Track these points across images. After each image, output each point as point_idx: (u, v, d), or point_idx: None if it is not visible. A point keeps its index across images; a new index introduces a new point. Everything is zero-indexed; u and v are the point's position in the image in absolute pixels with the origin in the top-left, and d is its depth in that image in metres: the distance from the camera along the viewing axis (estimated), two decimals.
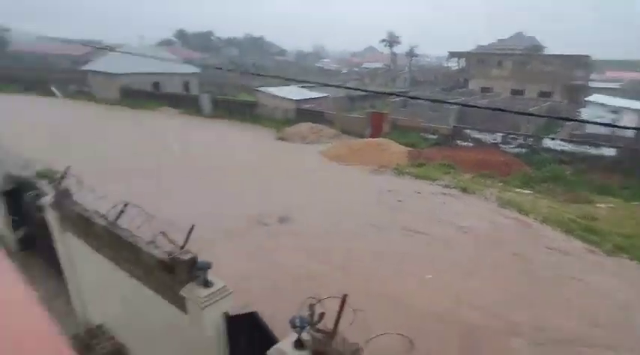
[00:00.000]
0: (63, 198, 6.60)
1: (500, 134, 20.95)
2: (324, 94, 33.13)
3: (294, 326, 3.56)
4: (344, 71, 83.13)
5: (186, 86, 39.69)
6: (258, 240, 10.58)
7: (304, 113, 27.62)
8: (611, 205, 14.81)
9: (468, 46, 57.88)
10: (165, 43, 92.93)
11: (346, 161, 19.03)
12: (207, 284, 4.48)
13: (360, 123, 25.40)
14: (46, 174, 8.25)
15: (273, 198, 13.56)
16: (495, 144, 20.85)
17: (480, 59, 48.39)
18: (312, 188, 15.07)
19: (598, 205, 14.74)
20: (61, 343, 2.81)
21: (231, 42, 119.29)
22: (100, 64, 37.28)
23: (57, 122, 24.87)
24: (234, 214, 11.94)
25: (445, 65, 60.53)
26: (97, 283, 6.55)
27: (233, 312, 4.62)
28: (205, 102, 31.02)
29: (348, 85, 40.79)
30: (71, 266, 6.98)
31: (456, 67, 52.55)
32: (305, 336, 3.56)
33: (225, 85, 48.51)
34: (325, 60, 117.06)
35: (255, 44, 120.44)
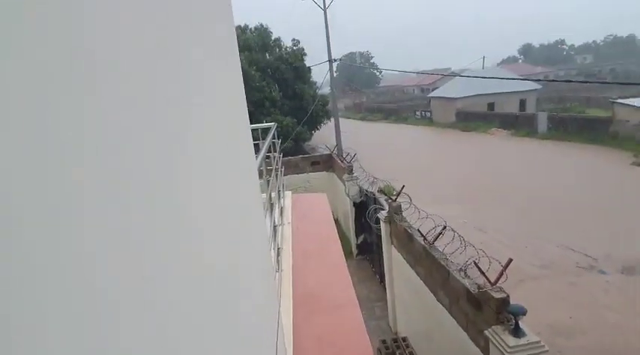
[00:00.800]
0: (395, 214, 7.64)
1: None
2: None
3: None
4: None
5: (522, 105, 37.56)
6: (590, 289, 8.58)
7: None
8: None
9: None
10: (508, 61, 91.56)
11: None
12: (517, 332, 4.02)
13: None
14: (385, 191, 9.85)
15: (614, 242, 10.68)
16: None
17: None
18: None
19: None
20: (366, 343, 3.25)
21: (586, 48, 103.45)
22: (440, 91, 41.09)
23: (394, 143, 29.20)
24: (559, 253, 10.21)
25: None
26: (408, 297, 7.14)
27: None
28: (541, 120, 28.18)
29: None
30: (390, 277, 7.95)
31: None
32: None
33: (569, 100, 42.50)
34: None
35: (621, 46, 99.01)
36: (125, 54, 0.61)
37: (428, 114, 42.28)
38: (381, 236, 8.24)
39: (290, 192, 6.70)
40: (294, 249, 4.46)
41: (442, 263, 5.46)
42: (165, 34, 0.83)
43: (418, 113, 44.38)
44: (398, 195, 8.25)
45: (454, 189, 16.74)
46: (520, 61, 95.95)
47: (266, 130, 4.25)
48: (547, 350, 3.94)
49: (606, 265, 9.51)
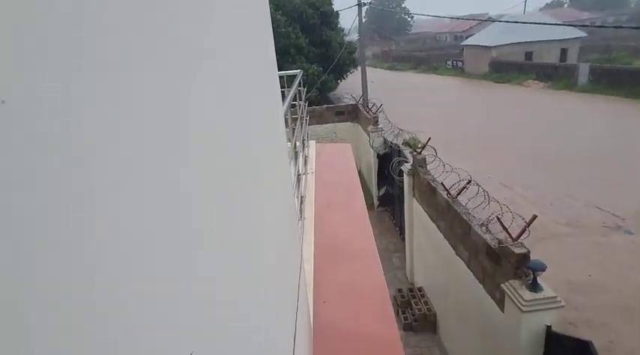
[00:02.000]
0: (419, 167, 7.58)
1: None
2: None
3: None
4: None
5: (563, 54, 35.04)
6: (615, 249, 8.48)
7: None
8: None
9: None
10: (552, 6, 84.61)
11: None
12: (534, 287, 4.08)
13: None
14: (410, 144, 9.70)
15: None
16: None
17: None
18: None
19: None
20: (384, 291, 3.38)
21: None
22: (475, 38, 38.66)
23: (422, 94, 28.18)
24: (586, 211, 10.00)
25: None
26: (426, 250, 7.26)
27: (558, 328, 4.03)
28: (582, 72, 26.34)
29: None
30: (410, 230, 8.04)
31: None
32: None
33: (616, 50, 39.36)
34: None
35: None
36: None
37: (460, 63, 40.26)
38: (403, 188, 8.24)
39: (314, 141, 6.70)
40: (316, 198, 4.54)
41: (464, 217, 5.47)
42: None
43: (449, 62, 42.32)
44: (423, 147, 8.12)
45: (482, 143, 16.32)
46: (566, 5, 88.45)
47: (291, 78, 4.17)
48: (563, 305, 4.01)
49: (634, 225, 9.30)
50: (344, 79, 25.51)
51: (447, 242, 5.99)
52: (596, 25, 43.28)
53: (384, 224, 10.74)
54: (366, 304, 3.17)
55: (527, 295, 3.96)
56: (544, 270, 4.06)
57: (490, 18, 48.26)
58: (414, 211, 7.72)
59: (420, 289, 7.64)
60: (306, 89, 5.51)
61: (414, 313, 7.09)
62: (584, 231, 9.29)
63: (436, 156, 7.68)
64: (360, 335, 2.86)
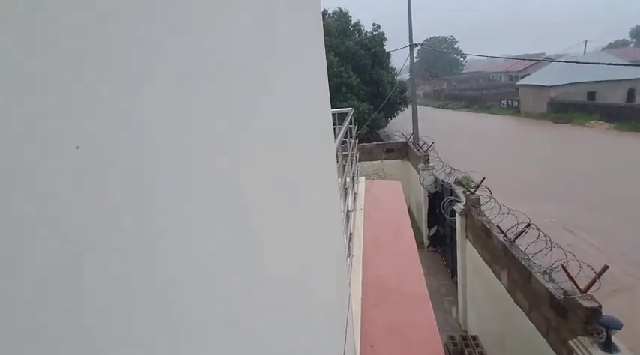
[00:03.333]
0: (472, 207, 7.27)
1: None
2: None
3: None
4: None
5: (630, 94, 33.03)
6: None
7: None
8: None
9: None
10: (616, 46, 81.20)
11: None
12: (608, 347, 3.65)
13: None
14: (462, 183, 9.38)
15: None
16: None
17: None
18: None
19: None
20: (436, 336, 3.16)
21: None
22: (531, 78, 37.66)
23: (476, 133, 27.41)
24: None
25: None
26: (481, 295, 6.80)
27: None
28: None
29: None
30: (463, 273, 7.61)
31: None
32: None
33: None
34: None
35: None
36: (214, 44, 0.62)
37: (515, 103, 39.14)
38: (455, 229, 7.91)
39: (364, 178, 6.68)
40: (365, 235, 4.45)
41: (523, 263, 5.11)
42: (259, 22, 0.85)
43: (504, 102, 41.32)
44: (477, 187, 7.82)
45: (541, 185, 15.45)
46: (632, 45, 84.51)
47: (343, 115, 4.24)
48: None
49: None
50: (394, 116, 25.61)
51: (504, 288, 5.59)
52: None
53: (434, 265, 10.28)
54: (415, 349, 2.98)
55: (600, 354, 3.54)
56: (620, 328, 3.64)
57: (548, 58, 46.94)
58: (467, 253, 7.34)
59: (474, 337, 7.10)
60: (356, 126, 5.56)
61: None
62: None
63: (491, 196, 7.36)
64: None
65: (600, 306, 3.85)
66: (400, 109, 25.03)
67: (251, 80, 0.78)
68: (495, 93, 46.61)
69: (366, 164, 13.73)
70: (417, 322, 3.27)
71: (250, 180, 0.75)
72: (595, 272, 4.23)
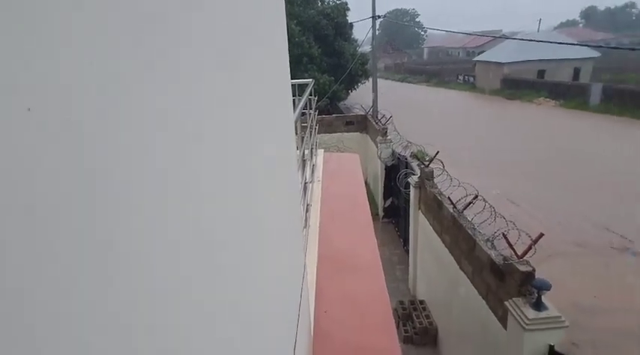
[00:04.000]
0: (426, 179, 7.57)
1: None
2: None
3: None
4: None
5: (576, 73, 34.93)
6: (621, 271, 8.37)
7: None
8: None
9: None
10: (567, 25, 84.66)
11: None
12: (538, 306, 4.04)
13: None
14: (418, 156, 9.70)
15: None
16: None
17: None
18: None
19: None
20: (387, 303, 3.37)
21: None
22: (487, 54, 38.73)
23: (433, 107, 28.15)
24: (594, 231, 9.88)
25: None
26: (430, 263, 7.22)
27: (562, 349, 3.98)
28: (594, 92, 26.18)
29: None
30: (414, 242, 8.02)
31: None
32: None
33: (631, 71, 39.12)
34: None
35: None
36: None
37: (471, 79, 40.29)
38: (409, 200, 8.23)
39: (322, 150, 6.74)
40: (322, 207, 4.56)
41: (469, 232, 5.45)
42: None
43: (461, 77, 42.38)
44: (431, 160, 8.13)
45: (491, 158, 16.27)
46: (581, 25, 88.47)
47: (303, 87, 4.22)
48: (567, 326, 3.96)
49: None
50: (355, 89, 25.64)
51: (451, 256, 5.96)
52: (611, 46, 42.99)
53: (388, 235, 10.70)
54: (367, 315, 3.16)
55: (531, 313, 3.92)
56: (549, 289, 4.02)
57: (504, 35, 48.26)
58: (420, 224, 7.70)
59: (421, 302, 7.58)
60: (316, 98, 5.56)
61: (415, 326, 7.04)
62: (591, 251, 9.17)
63: (444, 169, 7.68)
64: (361, 347, 2.85)
65: (534, 270, 4.22)
66: (361, 82, 25.05)
67: (208, 49, 0.79)
68: (453, 68, 47.58)
69: (326, 136, 13.80)
70: (370, 290, 3.45)
71: (207, 149, 0.76)
72: (532, 240, 4.61)
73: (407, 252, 8.84)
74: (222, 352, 0.82)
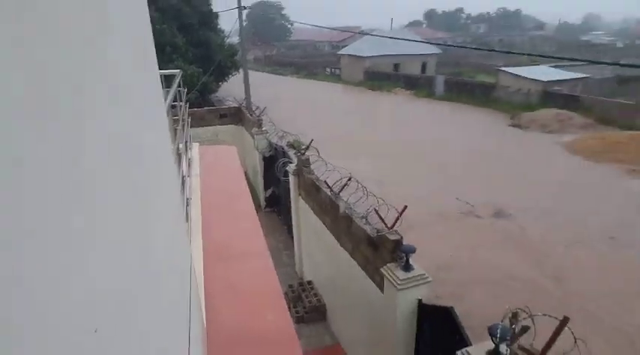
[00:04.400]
0: (303, 167, 7.90)
1: None
2: (583, 75, 27.43)
3: (492, 335, 3.33)
4: (619, 45, 66.10)
5: (424, 67, 40.00)
6: (468, 231, 10.05)
7: (552, 97, 23.67)
8: None
9: None
10: (414, 25, 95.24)
11: (596, 157, 15.50)
12: (407, 267, 4.61)
13: (628, 110, 19.97)
14: (294, 145, 10.05)
15: (490, 190, 12.48)
16: None
17: None
18: (540, 185, 13.05)
19: None
20: (277, 288, 3.49)
21: (481, 18, 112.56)
22: (350, 48, 41.61)
23: (305, 98, 29.40)
24: (448, 202, 11.62)
25: None
26: (314, 245, 7.64)
27: (428, 301, 4.64)
28: (439, 83, 30.52)
29: (622, 63, 32.36)
30: (298, 227, 8.36)
31: None
32: (503, 350, 3.29)
33: (463, 66, 46.37)
34: (597, 32, 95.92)
35: (509, 19, 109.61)
36: None
37: (337, 71, 42.84)
38: (289, 188, 8.49)
39: (197, 143, 6.50)
40: (203, 200, 4.43)
41: (347, 211, 5.90)
42: None
43: (328, 69, 44.73)
44: (306, 148, 8.49)
45: (360, 144, 17.65)
46: (424, 25, 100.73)
47: (170, 78, 4.00)
48: (431, 281, 4.61)
49: (481, 210, 11.08)
50: (225, 81, 25.06)
51: (332, 236, 6.37)
52: (448, 44, 50.08)
53: (272, 224, 10.87)
54: (259, 300, 3.23)
55: (402, 275, 4.46)
56: (414, 252, 4.62)
57: (363, 31, 52.10)
58: (300, 209, 8.02)
59: (309, 282, 7.96)
60: (186, 90, 5.32)
61: (305, 306, 7.38)
62: (444, 218, 10.73)
63: (319, 156, 8.11)
64: (257, 331, 2.90)
65: (402, 238, 4.79)
66: (231, 73, 24.58)
67: (73, 38, 0.74)
68: (320, 61, 49.90)
69: (200, 130, 13.28)
70: (259, 276, 3.52)
71: (82, 145, 0.73)
72: (398, 212, 5.21)
73: (292, 238, 9.13)
74: (111, 348, 0.79)
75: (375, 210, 5.51)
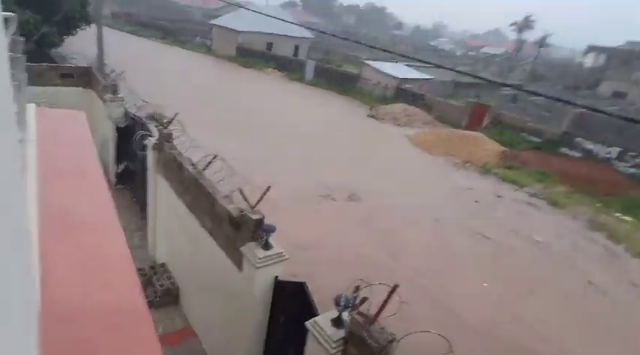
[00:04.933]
0: (164, 141, 7.42)
1: (618, 149, 18.34)
2: (429, 76, 31.68)
3: (337, 305, 3.75)
4: (458, 54, 78.09)
5: (296, 50, 40.67)
6: (324, 214, 10.89)
7: (404, 93, 26.78)
8: None
9: (617, 41, 50.01)
10: (290, 5, 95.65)
11: (432, 150, 18.29)
12: (266, 246, 4.79)
13: (459, 112, 23.96)
14: (155, 117, 9.31)
15: (347, 175, 13.70)
16: (607, 160, 18.38)
17: (624, 58, 41.80)
18: (388, 172, 14.86)
19: None
20: (129, 261, 3.29)
21: (351, 9, 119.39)
22: (224, 20, 39.73)
23: (171, 67, 27.32)
24: (308, 185, 12.33)
25: (578, 61, 53.84)
26: (171, 226, 7.31)
27: (283, 278, 4.93)
28: (309, 68, 31.55)
29: (458, 69, 38.18)
30: (154, 206, 7.86)
31: (591, 65, 46.23)
32: (345, 316, 3.72)
33: (333, 54, 48.82)
34: (442, 39, 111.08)
35: (376, 14, 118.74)
36: None
37: (209, 41, 40.65)
38: (146, 164, 7.91)
39: (34, 105, 5.56)
40: (43, 168, 3.86)
41: (210, 190, 5.80)
42: None
43: (199, 38, 42.10)
44: (170, 122, 7.96)
45: (230, 122, 17.27)
46: (299, 7, 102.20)
47: None
48: (287, 258, 4.89)
49: (337, 194, 12.06)
50: (72, 35, 21.56)
51: (193, 215, 6.20)
52: (321, 30, 51.87)
53: (123, 202, 9.94)
54: (108, 274, 3.00)
55: (261, 253, 4.64)
56: (274, 231, 4.82)
57: (238, 3, 50.06)
58: (159, 187, 7.56)
59: (162, 265, 7.61)
60: (23, 40, 4.49)
61: (157, 290, 7.03)
62: (304, 201, 11.35)
63: (184, 131, 7.71)
64: (104, 306, 2.71)
65: (264, 217, 4.94)
66: (80, 27, 21.25)
67: None
68: (190, 28, 46.65)
69: (38, 89, 11.26)
70: (109, 250, 3.26)
71: None
72: (262, 193, 5.35)
73: (144, 218, 8.54)
74: None
75: (240, 189, 5.56)
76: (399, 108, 23.92)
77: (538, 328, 7.78)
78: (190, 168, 6.42)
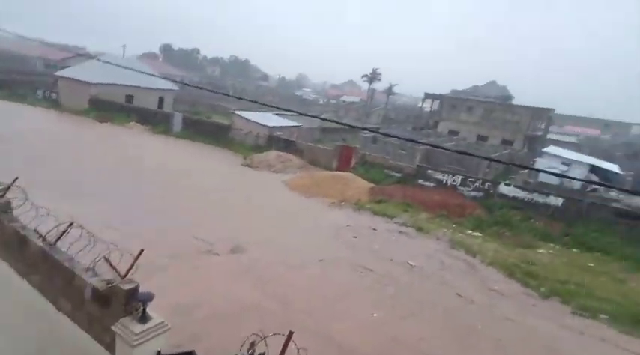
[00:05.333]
0: (2, 212, 6.19)
1: (460, 177, 21.70)
2: (298, 124, 33.51)
3: None
4: (321, 102, 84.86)
5: (160, 102, 39.07)
6: (207, 270, 10.26)
7: (276, 140, 27.66)
8: (552, 251, 15.70)
9: (445, 89, 60.99)
10: (149, 56, 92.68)
11: (308, 193, 19.03)
12: (144, 319, 4.21)
13: (329, 155, 25.66)
14: None
15: (227, 227, 13.30)
16: (454, 186, 21.54)
17: (452, 103, 50.55)
18: (269, 220, 14.90)
19: (540, 251, 15.55)
20: None
21: (216, 62, 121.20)
22: (72, 71, 36.15)
23: (17, 126, 23.64)
24: (187, 241, 11.55)
25: (419, 106, 63.46)
26: (11, 317, 5.90)
27: (167, 351, 4.37)
28: (177, 120, 30.51)
29: (323, 117, 41.33)
30: None
31: (429, 109, 54.71)
32: None
33: (200, 105, 48.30)
34: (306, 89, 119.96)
35: (240, 66, 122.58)
36: None
37: (54, 95, 36.41)
38: None
39: None
40: None
41: (66, 264, 4.95)
42: None
43: (40, 92, 37.42)
44: (7, 189, 6.71)
45: (87, 185, 15.37)
46: (160, 59, 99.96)
47: None
48: (170, 328, 4.37)
49: (219, 248, 11.50)
50: None
51: (44, 298, 5.17)
52: (186, 83, 51.18)
53: None
54: None
55: (138, 328, 4.05)
56: (152, 299, 4.26)
57: (89, 54, 46.74)
58: None
59: None
60: None
61: None
62: (184, 258, 10.53)
63: (27, 199, 6.55)
64: None
65: (138, 285, 4.35)
66: None
67: None
68: (29, 80, 41.29)
69: None
70: None
71: None
72: (134, 258, 4.76)
73: None
74: None
75: (105, 257, 4.87)
76: (272, 155, 24.50)
77: (420, 346, 8.32)
78: (39, 241, 5.43)
